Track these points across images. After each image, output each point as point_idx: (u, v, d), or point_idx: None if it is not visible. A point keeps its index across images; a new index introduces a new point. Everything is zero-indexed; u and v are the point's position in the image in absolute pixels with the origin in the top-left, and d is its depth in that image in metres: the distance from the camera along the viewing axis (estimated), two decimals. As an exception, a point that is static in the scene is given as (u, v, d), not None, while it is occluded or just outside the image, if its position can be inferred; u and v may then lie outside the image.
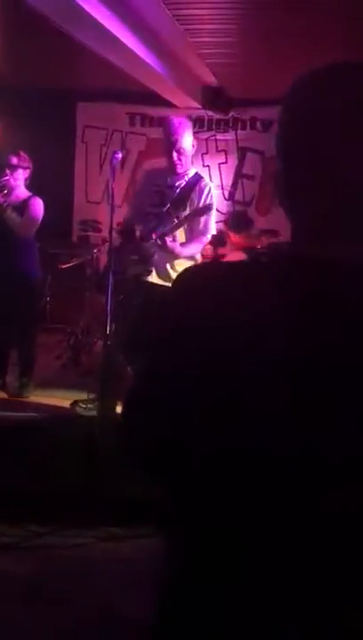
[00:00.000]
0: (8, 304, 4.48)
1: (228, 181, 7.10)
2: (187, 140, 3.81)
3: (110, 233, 3.60)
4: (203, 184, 3.88)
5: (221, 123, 7.06)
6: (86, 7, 3.82)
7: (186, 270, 0.90)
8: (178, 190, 3.87)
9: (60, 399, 4.48)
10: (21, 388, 4.59)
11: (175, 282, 0.90)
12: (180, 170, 3.85)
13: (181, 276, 0.89)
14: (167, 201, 3.84)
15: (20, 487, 2.87)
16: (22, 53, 5.83)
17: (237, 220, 5.91)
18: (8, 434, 3.00)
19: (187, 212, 3.81)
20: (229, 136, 7.07)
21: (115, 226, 3.86)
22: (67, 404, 4.31)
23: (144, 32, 4.74)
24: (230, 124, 7.07)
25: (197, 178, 3.92)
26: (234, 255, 5.55)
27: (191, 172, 3.94)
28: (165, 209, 3.79)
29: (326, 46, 5.06)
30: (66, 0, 3.64)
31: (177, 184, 3.89)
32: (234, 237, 5.37)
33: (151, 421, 0.86)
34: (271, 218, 7.03)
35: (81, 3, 3.74)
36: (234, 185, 7.03)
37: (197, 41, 5.04)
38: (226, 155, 7.08)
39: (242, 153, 7.12)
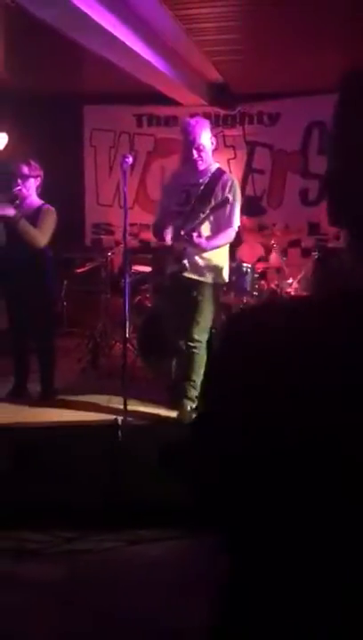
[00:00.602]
0: (25, 311, 4.52)
1: (238, 176, 7.06)
2: (205, 138, 3.99)
3: (124, 235, 3.62)
4: (225, 178, 4.05)
5: (228, 118, 7.05)
6: (89, 12, 3.84)
7: (236, 316, 0.85)
8: (202, 187, 4.02)
9: (83, 404, 4.52)
10: (43, 395, 4.63)
11: (226, 328, 0.86)
12: (201, 167, 4.03)
13: (232, 321, 0.84)
14: (193, 198, 4.00)
15: (45, 494, 2.89)
16: (25, 60, 5.86)
17: (248, 204, 5.93)
18: (32, 441, 3.02)
19: (211, 206, 3.95)
20: (237, 131, 7.05)
21: (128, 228, 3.91)
22: (88, 408, 4.36)
23: (147, 33, 4.75)
24: (237, 120, 7.06)
25: (220, 173, 4.10)
26: (249, 240, 5.56)
27: (214, 168, 4.11)
28: (190, 206, 3.95)
29: (329, 40, 5.05)
30: (69, 6, 3.66)
31: (201, 181, 4.04)
32: (246, 221, 5.38)
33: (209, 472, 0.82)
34: (283, 211, 7.02)
35: (84, 8, 3.76)
36: (244, 180, 7.01)
37: (200, 39, 5.03)
38: (234, 150, 7.07)
39: (251, 147, 7.10)
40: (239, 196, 4.07)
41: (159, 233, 4.15)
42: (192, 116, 6.98)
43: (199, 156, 3.98)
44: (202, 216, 3.91)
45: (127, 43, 4.48)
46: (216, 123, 7.06)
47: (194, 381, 4.15)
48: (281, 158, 7.03)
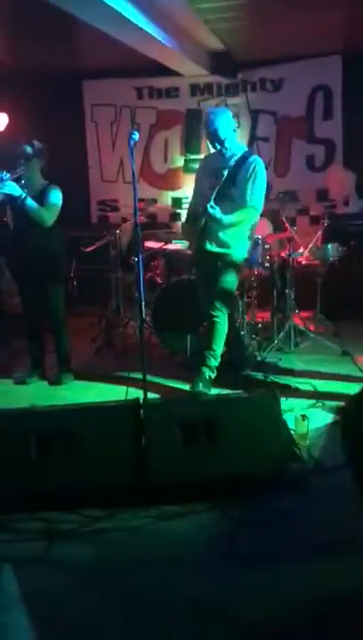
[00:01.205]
0: (37, 292, 4.52)
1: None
2: (225, 127, 4.20)
3: (135, 212, 3.58)
4: (249, 160, 4.20)
5: (230, 87, 6.93)
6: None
7: None
8: (228, 170, 4.14)
9: (101, 383, 4.55)
10: (61, 375, 4.66)
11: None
12: (227, 155, 4.23)
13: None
14: (221, 180, 4.12)
15: (71, 475, 2.92)
16: (21, 38, 5.75)
17: None
18: (54, 423, 3.04)
19: (236, 187, 4.11)
20: (240, 99, 6.94)
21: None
22: (107, 387, 4.39)
23: (145, 4, 4.64)
24: (240, 88, 6.93)
25: (246, 155, 4.27)
26: (260, 223, 5.50)
27: (241, 151, 4.29)
28: (218, 188, 4.08)
29: (331, 4, 4.91)
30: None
31: (228, 164, 4.19)
32: None
33: None
34: (290, 179, 6.93)
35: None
36: (249, 148, 6.91)
37: (200, 7, 4.91)
38: (238, 118, 6.94)
39: (254, 115, 6.99)
40: (262, 177, 4.17)
41: (193, 216, 4.30)
42: (194, 86, 6.97)
43: (223, 146, 4.20)
44: (225, 195, 4.05)
45: (124, 14, 4.38)
46: (219, 92, 6.96)
47: (214, 351, 4.26)
48: (286, 124, 6.92)
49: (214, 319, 4.22)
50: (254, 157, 4.25)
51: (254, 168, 4.13)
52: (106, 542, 2.64)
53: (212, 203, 4.01)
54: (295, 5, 4.96)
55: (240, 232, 4.24)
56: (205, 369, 4.25)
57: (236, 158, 4.20)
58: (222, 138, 4.18)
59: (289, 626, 2.13)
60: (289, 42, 6.10)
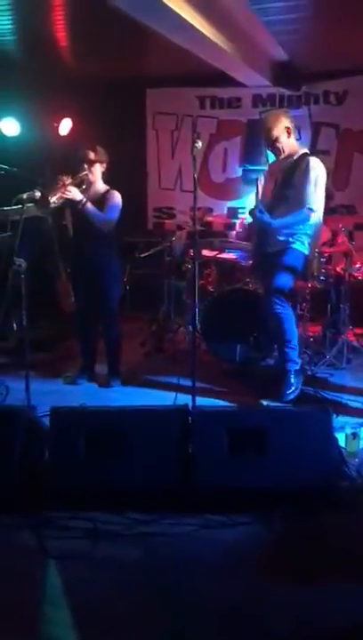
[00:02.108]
0: (92, 295, 4.59)
1: (302, 158, 6.94)
2: (280, 130, 4.15)
3: (194, 221, 3.61)
4: (305, 162, 4.14)
5: (292, 99, 6.89)
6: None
7: None
8: (285, 172, 4.16)
9: (150, 388, 4.58)
10: (110, 378, 4.71)
11: None
12: (281, 156, 4.21)
13: None
14: (278, 183, 4.15)
15: (118, 477, 2.94)
16: (88, 45, 5.87)
17: None
18: (103, 424, 3.07)
19: (291, 189, 4.11)
20: (302, 112, 6.88)
21: (192, 212, 4.00)
22: (156, 392, 4.41)
23: (212, 13, 4.67)
24: (302, 100, 6.89)
25: (303, 157, 4.20)
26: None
27: (298, 154, 4.23)
28: (275, 191, 4.12)
29: None
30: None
31: (285, 166, 4.19)
32: None
33: None
34: (349, 192, 6.84)
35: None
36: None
37: (267, 19, 4.91)
38: (299, 131, 6.90)
39: (316, 128, 6.93)
40: (319, 177, 4.11)
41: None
42: (256, 97, 6.96)
43: (274, 146, 4.18)
44: (282, 198, 4.08)
45: (191, 22, 4.41)
46: (281, 103, 6.93)
47: (290, 341, 4.25)
48: (347, 138, 6.84)
49: (277, 310, 4.19)
50: (311, 158, 4.18)
51: (307, 167, 4.09)
52: (148, 546, 2.65)
53: (260, 207, 4.05)
54: (361, 18, 4.90)
55: (297, 231, 4.19)
56: (288, 365, 4.22)
57: (292, 160, 4.17)
58: (274, 137, 4.14)
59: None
60: (354, 54, 6.04)
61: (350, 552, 2.61)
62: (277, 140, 4.13)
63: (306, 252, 4.29)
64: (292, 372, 4.23)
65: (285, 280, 4.23)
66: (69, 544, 2.65)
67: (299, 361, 4.27)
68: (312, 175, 4.08)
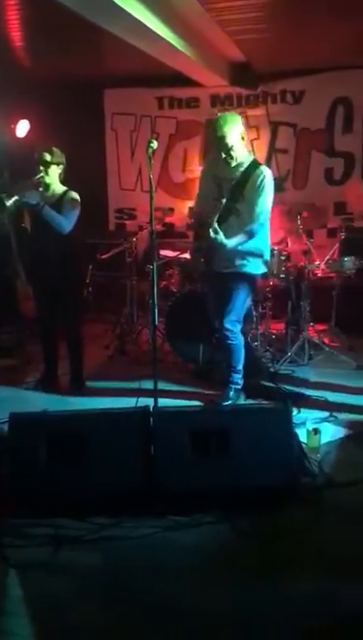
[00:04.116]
0: (53, 298, 4.54)
1: (261, 157, 6.97)
2: (234, 135, 3.93)
3: (151, 221, 3.58)
4: (256, 172, 3.95)
5: (250, 98, 6.93)
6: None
7: None
8: (234, 182, 3.96)
9: (112, 390, 4.55)
10: (73, 382, 4.66)
11: None
12: (232, 164, 3.98)
13: None
14: (224, 193, 3.95)
15: (79, 482, 2.91)
16: (44, 46, 5.80)
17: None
18: (64, 429, 3.04)
19: (242, 202, 3.91)
20: (260, 111, 6.93)
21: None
22: (118, 394, 4.39)
23: (167, 14, 4.66)
24: (260, 99, 6.93)
25: (253, 167, 4.00)
26: (274, 223, 5.47)
27: (247, 162, 4.03)
28: (222, 202, 3.89)
29: (352, 16, 4.90)
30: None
31: (234, 175, 3.98)
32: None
33: None
34: (308, 191, 6.91)
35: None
36: (268, 160, 6.90)
37: (223, 19, 4.93)
38: (258, 130, 6.96)
39: (274, 127, 6.99)
40: (270, 189, 3.96)
41: (198, 222, 4.16)
42: (214, 97, 6.99)
43: (228, 154, 3.95)
44: (232, 212, 3.88)
45: (147, 24, 4.40)
46: (239, 103, 6.97)
47: (235, 367, 4.22)
48: (305, 137, 6.90)
49: (228, 341, 4.14)
50: (262, 169, 4.00)
51: (262, 179, 3.92)
52: (112, 550, 2.63)
53: (215, 226, 3.80)
54: (317, 18, 4.96)
55: (256, 247, 4.06)
56: (231, 386, 4.21)
57: (242, 169, 3.99)
58: (229, 145, 3.92)
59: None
60: (310, 54, 6.10)
61: (313, 548, 2.63)
62: (231, 148, 3.93)
63: (259, 271, 4.18)
64: (232, 389, 4.21)
65: (239, 311, 4.14)
66: (30, 552, 2.61)
67: (241, 383, 4.23)
68: (266, 191, 3.93)
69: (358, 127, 6.71)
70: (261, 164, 4.07)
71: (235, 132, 3.93)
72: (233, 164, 3.98)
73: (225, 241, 3.85)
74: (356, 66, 6.49)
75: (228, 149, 3.93)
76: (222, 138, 3.91)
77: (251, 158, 4.09)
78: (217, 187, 4.03)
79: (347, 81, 6.63)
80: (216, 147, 4.02)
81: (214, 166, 4.16)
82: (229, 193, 3.93)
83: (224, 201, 3.87)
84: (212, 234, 3.79)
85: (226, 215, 3.90)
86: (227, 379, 4.22)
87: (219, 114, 4.18)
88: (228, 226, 3.87)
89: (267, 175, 3.95)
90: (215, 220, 3.82)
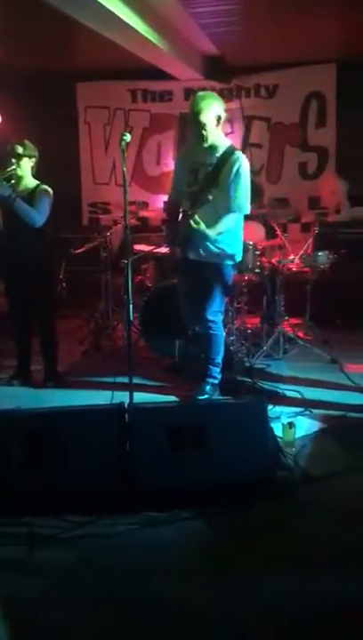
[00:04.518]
0: (25, 293, 4.48)
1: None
2: (209, 114, 3.78)
3: (125, 215, 3.54)
4: (233, 158, 3.84)
5: (224, 92, 6.92)
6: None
7: None
8: (210, 168, 3.87)
9: (87, 387, 4.51)
10: (47, 378, 4.61)
11: None
12: (205, 144, 3.85)
13: None
14: (200, 179, 3.85)
15: (54, 479, 2.87)
16: (15, 37, 5.72)
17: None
18: (38, 426, 2.99)
19: (217, 189, 3.81)
20: (234, 105, 6.94)
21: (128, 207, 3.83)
22: (93, 391, 4.35)
23: (140, 6, 4.62)
24: (234, 93, 6.93)
25: (230, 152, 3.89)
26: (249, 226, 5.47)
27: (224, 147, 3.92)
28: (198, 187, 3.80)
29: (326, 10, 4.93)
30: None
31: (209, 161, 3.89)
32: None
33: None
34: (282, 186, 6.94)
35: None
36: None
37: (195, 11, 4.91)
38: (232, 124, 6.96)
39: (248, 121, 6.99)
40: (246, 176, 3.87)
41: (172, 213, 4.09)
42: (188, 90, 6.95)
43: (201, 133, 3.81)
44: (209, 199, 3.78)
45: (120, 15, 4.36)
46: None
47: (213, 359, 4.18)
48: (279, 131, 6.93)
49: (209, 331, 4.11)
50: (237, 155, 3.87)
51: (238, 167, 3.81)
52: (87, 548, 2.60)
53: (195, 218, 3.69)
54: (290, 12, 4.96)
55: (229, 238, 3.99)
56: (208, 379, 4.18)
57: (218, 154, 3.86)
58: (203, 122, 3.75)
59: (273, 636, 2.10)
60: (284, 48, 6.11)
61: (289, 543, 2.64)
62: (204, 126, 3.77)
63: (234, 261, 4.11)
64: (209, 383, 4.18)
65: (219, 302, 4.10)
66: (4, 551, 2.57)
67: (219, 377, 4.21)
68: (243, 176, 3.84)
69: (331, 122, 6.76)
70: (237, 150, 3.95)
71: (211, 111, 3.78)
72: (206, 144, 3.84)
73: (208, 231, 3.78)
74: (329, 60, 6.53)
75: (201, 127, 3.77)
76: (197, 113, 3.77)
77: (227, 144, 3.98)
78: (193, 172, 3.94)
79: (320, 76, 6.67)
80: (192, 125, 3.87)
81: (190, 152, 4.07)
82: (204, 179, 3.85)
83: (199, 187, 3.80)
84: (193, 224, 3.70)
85: (201, 202, 3.81)
86: (205, 372, 4.20)
87: (199, 92, 4.02)
88: (203, 213, 3.78)
89: (243, 162, 3.85)
90: (195, 209, 3.75)
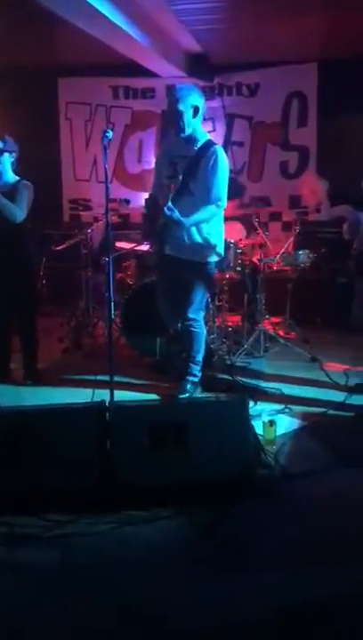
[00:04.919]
0: (5, 289, 4.43)
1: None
2: (186, 103, 3.77)
3: (106, 212, 3.53)
4: (211, 151, 3.84)
5: (206, 90, 6.90)
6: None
7: None
8: (188, 160, 3.86)
9: (67, 385, 4.48)
10: (27, 376, 4.58)
11: None
12: (182, 135, 3.84)
13: None
14: (180, 171, 3.85)
15: (34, 478, 2.85)
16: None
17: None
18: (18, 424, 2.97)
19: (195, 182, 3.82)
20: (216, 103, 6.94)
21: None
22: (73, 389, 4.33)
23: (122, 1, 4.60)
24: (216, 91, 6.93)
25: (208, 145, 3.90)
26: (229, 225, 5.48)
27: (203, 139, 3.92)
28: (177, 180, 3.80)
29: (308, 10, 4.95)
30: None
31: (188, 154, 3.88)
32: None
33: None
34: (263, 184, 6.95)
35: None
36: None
37: (178, 8, 4.89)
38: (213, 122, 6.97)
39: (230, 119, 7.00)
40: (224, 168, 3.87)
41: (152, 207, 4.07)
42: (170, 88, 6.92)
43: (179, 123, 3.79)
44: (187, 191, 3.79)
45: (100, 9, 4.33)
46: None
47: (194, 357, 4.16)
48: (261, 130, 6.94)
49: (190, 328, 4.09)
50: (216, 147, 3.87)
51: (215, 159, 3.79)
52: (68, 547, 2.59)
53: (169, 204, 3.68)
54: (273, 11, 4.97)
55: (211, 233, 3.97)
56: (189, 377, 4.16)
57: (197, 146, 3.87)
58: (180, 110, 3.74)
59: (252, 635, 2.10)
60: (266, 47, 6.13)
61: (269, 540, 2.65)
62: (181, 115, 3.76)
63: (213, 259, 4.08)
64: (189, 381, 4.16)
65: (201, 300, 4.08)
66: (-16, 551, 2.55)
67: (199, 375, 4.19)
68: (221, 169, 3.83)
69: (312, 121, 6.79)
70: (215, 144, 3.94)
71: (189, 100, 3.77)
72: (183, 134, 3.83)
73: (183, 219, 3.75)
74: (311, 60, 6.55)
75: (179, 116, 3.76)
76: (175, 102, 3.76)
77: (205, 136, 3.97)
78: (171, 165, 3.92)
79: (302, 75, 6.70)
80: (169, 117, 3.87)
81: (169, 145, 4.07)
82: (183, 171, 3.83)
83: (178, 179, 3.79)
84: (166, 212, 3.68)
85: (179, 194, 3.80)
86: (185, 370, 4.20)
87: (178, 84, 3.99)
88: (181, 205, 3.76)
89: (220, 155, 3.84)
90: (169, 198, 3.73)
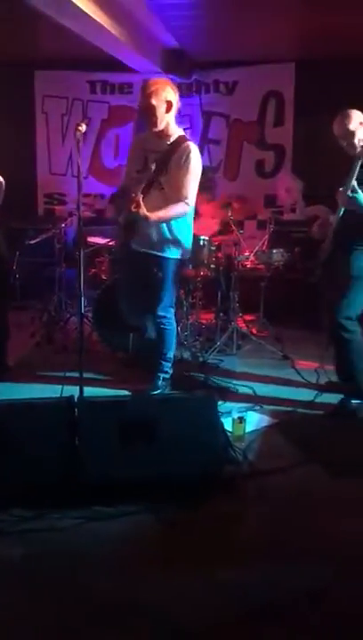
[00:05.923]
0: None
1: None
2: (159, 97, 3.73)
3: (78, 207, 3.50)
4: (183, 146, 3.80)
5: (183, 87, 6.91)
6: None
7: None
8: (160, 155, 3.83)
9: (37, 380, 4.45)
10: (-4, 370, 4.53)
11: None
12: (154, 129, 3.81)
13: None
14: (150, 165, 3.81)
15: (1, 474, 2.82)
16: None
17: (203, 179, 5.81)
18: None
19: (166, 176, 3.79)
20: (193, 100, 6.93)
21: (82, 198, 3.76)
22: (43, 384, 4.29)
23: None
24: (193, 88, 6.93)
25: (181, 141, 3.85)
26: (205, 213, 5.48)
27: (175, 136, 3.88)
28: (147, 174, 3.76)
29: (288, 8, 4.97)
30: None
31: (160, 148, 3.85)
32: (201, 195, 5.29)
33: None
34: (239, 183, 6.97)
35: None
36: (200, 150, 6.90)
37: (155, 3, 4.88)
38: (190, 120, 6.96)
39: (207, 117, 7.00)
40: (197, 168, 3.83)
41: (120, 193, 4.02)
42: (144, 82, 6.88)
43: (152, 121, 3.76)
44: (157, 185, 3.77)
45: (79, 4, 4.30)
46: (171, 91, 6.92)
47: (165, 354, 4.14)
48: (237, 128, 6.96)
49: (160, 326, 4.05)
50: (189, 143, 3.82)
51: (187, 155, 3.75)
52: (34, 542, 2.57)
53: (138, 199, 3.60)
54: (251, 10, 4.98)
55: (180, 230, 3.92)
56: (160, 374, 4.14)
57: (169, 142, 3.83)
58: (153, 104, 3.70)
59: (221, 632, 2.11)
60: (244, 46, 6.14)
61: (238, 536, 2.66)
62: (154, 110, 3.72)
63: (179, 256, 4.00)
64: (160, 378, 4.15)
65: (169, 296, 4.03)
66: None
67: (170, 372, 4.18)
68: (193, 165, 3.77)
69: (289, 121, 6.83)
70: (188, 140, 3.89)
71: (161, 94, 3.73)
72: (156, 129, 3.79)
73: (149, 215, 3.69)
74: (288, 60, 6.58)
75: (151, 110, 3.72)
76: (148, 96, 3.72)
77: (178, 133, 3.92)
78: (143, 158, 3.89)
79: (279, 75, 6.73)
80: (142, 111, 3.83)
81: (143, 139, 4.04)
82: (154, 165, 3.80)
83: (148, 174, 3.76)
84: (133, 207, 3.62)
85: (149, 188, 3.77)
86: (156, 367, 4.19)
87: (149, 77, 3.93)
88: (150, 199, 3.72)
89: (193, 151, 3.79)
90: (139, 192, 3.68)
